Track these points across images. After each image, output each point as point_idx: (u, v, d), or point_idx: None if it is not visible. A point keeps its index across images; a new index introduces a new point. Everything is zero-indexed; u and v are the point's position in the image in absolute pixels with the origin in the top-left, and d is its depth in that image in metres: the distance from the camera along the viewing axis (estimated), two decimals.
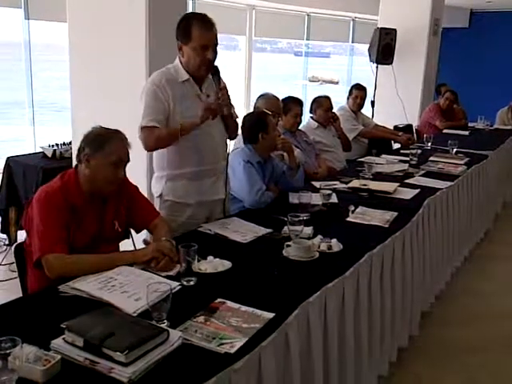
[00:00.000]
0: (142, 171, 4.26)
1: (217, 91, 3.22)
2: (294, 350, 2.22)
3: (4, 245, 5.46)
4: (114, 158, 2.70)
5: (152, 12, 4.19)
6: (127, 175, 2.94)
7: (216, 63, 3.28)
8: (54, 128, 12.79)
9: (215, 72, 3.29)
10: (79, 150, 2.74)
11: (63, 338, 1.87)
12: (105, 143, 2.69)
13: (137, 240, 3.12)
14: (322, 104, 5.61)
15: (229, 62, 3.61)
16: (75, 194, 2.69)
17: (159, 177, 3.44)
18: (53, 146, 5.54)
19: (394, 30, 8.53)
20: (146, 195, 3.83)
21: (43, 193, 2.66)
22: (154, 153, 3.44)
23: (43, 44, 14.71)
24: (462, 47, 13.53)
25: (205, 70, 3.28)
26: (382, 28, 8.51)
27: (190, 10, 9.49)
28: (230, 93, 3.29)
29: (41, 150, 5.62)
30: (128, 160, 2.79)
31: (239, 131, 3.87)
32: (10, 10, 8.35)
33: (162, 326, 2.00)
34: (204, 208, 3.46)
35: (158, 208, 3.41)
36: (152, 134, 3.18)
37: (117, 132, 2.78)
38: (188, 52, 3.22)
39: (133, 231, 3.11)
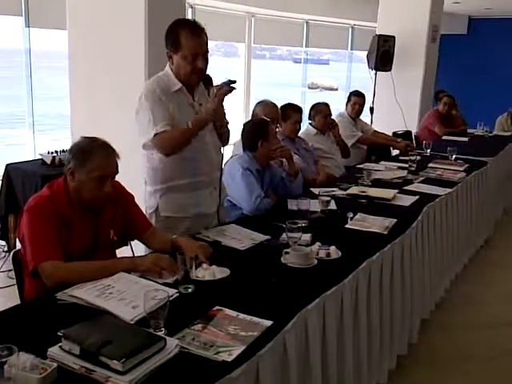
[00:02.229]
0: (140, 179, 4.25)
1: (212, 100, 3.18)
2: (292, 357, 2.20)
3: (3, 251, 5.46)
4: (97, 174, 2.63)
5: (151, 20, 4.20)
6: (124, 183, 2.93)
7: (209, 72, 3.25)
8: (54, 135, 12.81)
9: (208, 81, 3.27)
10: (66, 161, 2.69)
11: (60, 346, 1.86)
12: (87, 158, 2.62)
13: (135, 247, 3.11)
14: (321, 111, 5.61)
15: (228, 68, 3.62)
16: (65, 205, 2.65)
17: (152, 191, 3.35)
18: (52, 152, 5.53)
19: (393, 37, 8.54)
20: (142, 203, 3.85)
21: (32, 202, 2.63)
22: (146, 166, 3.35)
23: (43, 51, 14.72)
24: (460, 54, 13.55)
25: (195, 79, 3.23)
26: (380, 35, 8.52)
27: (189, 17, 9.53)
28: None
29: (40, 157, 5.62)
30: (116, 172, 2.73)
31: (239, 137, 3.87)
32: (11, 18, 8.36)
33: (160, 333, 1.99)
34: (201, 220, 3.42)
35: (153, 222, 3.31)
36: (164, 137, 3.11)
37: (103, 145, 2.70)
38: (178, 61, 3.16)
39: None
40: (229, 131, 3.51)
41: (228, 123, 3.43)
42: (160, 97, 3.15)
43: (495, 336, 4.32)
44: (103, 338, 1.84)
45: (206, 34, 3.17)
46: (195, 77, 3.20)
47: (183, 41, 3.10)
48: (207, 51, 3.19)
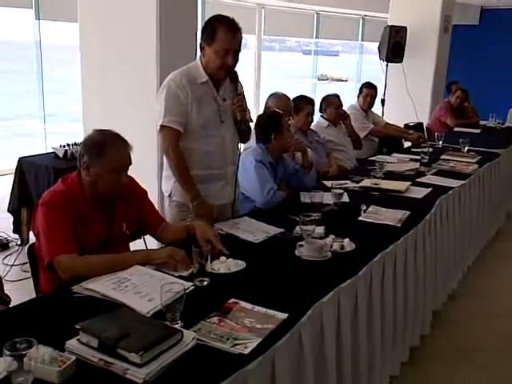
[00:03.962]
0: (153, 171, 4.28)
1: (233, 97, 3.32)
2: (308, 350, 2.21)
3: (16, 245, 5.48)
4: (113, 166, 2.64)
5: (163, 12, 4.20)
6: (137, 175, 2.94)
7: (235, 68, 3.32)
8: (65, 126, 12.87)
9: (234, 77, 3.34)
10: (79, 156, 2.70)
11: (78, 339, 1.87)
12: (103, 151, 2.63)
13: (148, 239, 3.11)
14: (332, 102, 5.60)
15: (239, 60, 3.64)
16: (79, 199, 2.66)
17: (168, 176, 3.44)
18: (64, 146, 5.55)
19: (405, 28, 8.50)
20: (156, 195, 3.87)
21: (47, 196, 2.64)
22: (162, 151, 3.47)
23: (54, 44, 14.78)
24: (472, 44, 13.46)
25: (223, 74, 3.30)
26: (392, 26, 8.47)
27: (199, 9, 9.50)
28: (245, 98, 3.39)
29: (52, 151, 5.64)
30: (130, 163, 2.74)
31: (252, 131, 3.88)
32: (21, 11, 8.39)
33: (176, 326, 1.99)
34: (215, 210, 3.44)
35: (166, 206, 3.48)
36: (170, 150, 3.25)
37: (116, 137, 2.71)
38: (209, 53, 3.22)
39: None
40: (250, 129, 3.56)
41: (250, 121, 3.51)
42: (185, 88, 3.22)
43: (507, 327, 4.31)
44: (121, 331, 1.85)
45: (241, 33, 3.25)
46: (223, 72, 3.27)
47: (219, 35, 3.16)
48: (239, 50, 3.27)
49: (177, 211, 3.42)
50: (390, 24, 8.63)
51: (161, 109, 3.23)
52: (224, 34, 3.16)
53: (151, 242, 3.12)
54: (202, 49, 3.28)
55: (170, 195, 3.45)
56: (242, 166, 3.65)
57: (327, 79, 27.43)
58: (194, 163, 3.33)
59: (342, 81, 27.66)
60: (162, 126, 3.23)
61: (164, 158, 3.44)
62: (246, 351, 1.91)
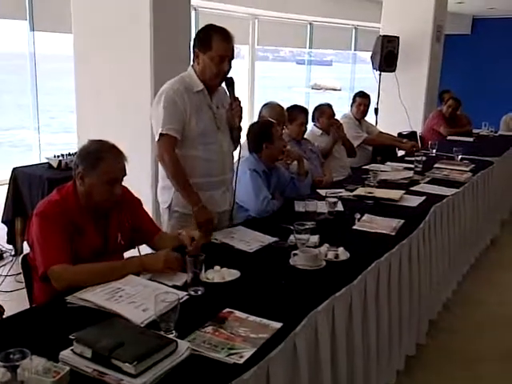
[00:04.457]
0: (147, 181, 4.28)
1: (231, 101, 3.36)
2: (303, 359, 2.21)
3: (10, 255, 5.46)
4: (107, 177, 2.64)
5: (156, 23, 4.22)
6: (131, 186, 2.94)
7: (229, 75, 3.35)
8: (58, 136, 12.86)
9: (230, 83, 3.37)
10: (74, 165, 2.70)
11: (72, 350, 1.87)
12: (98, 162, 2.63)
13: (143, 250, 3.10)
14: (325, 112, 5.61)
15: (232, 70, 3.65)
16: (74, 209, 2.66)
17: (167, 187, 3.41)
18: (58, 156, 5.55)
19: (397, 38, 8.54)
20: (150, 206, 3.86)
21: (42, 206, 2.64)
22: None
23: (48, 54, 14.82)
24: (464, 54, 13.54)
25: (219, 81, 3.34)
26: (384, 36, 8.51)
27: (193, 19, 9.54)
28: (242, 105, 3.42)
29: (46, 161, 5.63)
30: (125, 174, 2.74)
31: (245, 139, 3.90)
32: (16, 22, 8.42)
33: (170, 336, 1.99)
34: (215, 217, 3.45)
35: (166, 219, 3.44)
36: (169, 158, 3.24)
37: (111, 148, 2.71)
38: (205, 61, 3.26)
39: None
40: (240, 133, 3.58)
41: (241, 129, 3.54)
42: (183, 96, 3.24)
43: (502, 337, 4.29)
44: (115, 341, 1.84)
45: (234, 41, 3.30)
46: (218, 79, 3.32)
47: (214, 42, 3.21)
48: (233, 57, 3.31)
49: (178, 222, 3.40)
50: (382, 34, 8.67)
51: (159, 117, 3.23)
52: (219, 41, 3.22)
53: (146, 251, 3.11)
54: (196, 57, 3.30)
55: (169, 206, 3.42)
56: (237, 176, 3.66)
57: (321, 89, 27.50)
58: (195, 171, 3.33)
59: (335, 90, 27.73)
60: (161, 133, 3.22)
61: (160, 168, 3.44)
62: (241, 361, 1.90)
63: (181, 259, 2.59)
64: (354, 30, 13.88)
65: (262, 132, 4.00)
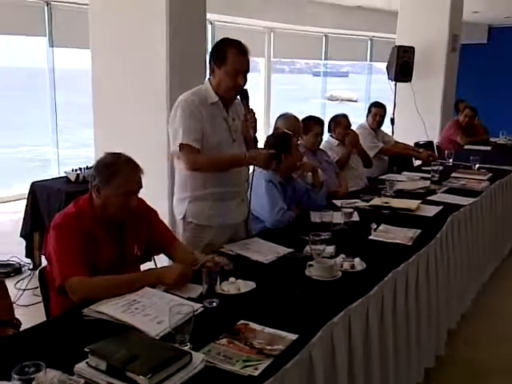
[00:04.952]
0: (164, 193, 4.29)
1: (245, 113, 3.35)
2: (319, 371, 2.19)
3: (29, 269, 5.49)
4: (123, 190, 2.67)
5: (172, 39, 4.25)
6: (148, 198, 2.95)
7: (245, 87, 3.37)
8: (78, 151, 12.97)
9: (245, 95, 3.37)
10: (91, 178, 2.73)
11: (86, 362, 1.87)
12: (114, 175, 2.66)
13: (159, 262, 3.11)
14: (341, 122, 5.61)
15: (249, 83, 3.67)
16: (90, 220, 2.68)
17: (181, 198, 3.43)
18: (76, 170, 5.58)
19: (412, 48, 8.52)
20: (167, 217, 3.87)
21: (58, 219, 2.66)
22: (177, 174, 3.46)
23: (67, 70, 15.00)
24: (480, 63, 13.49)
25: (234, 94, 3.35)
26: (399, 46, 8.50)
27: (209, 33, 9.63)
28: (256, 116, 3.42)
29: (64, 175, 5.67)
30: (140, 187, 2.76)
31: None
32: (35, 39, 8.53)
33: (185, 348, 1.99)
34: (227, 230, 3.47)
35: (181, 230, 3.44)
36: (197, 158, 3.25)
37: (128, 161, 2.74)
38: (220, 75, 3.28)
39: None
40: (256, 144, 3.57)
41: (257, 140, 3.52)
42: (198, 107, 3.26)
43: None
44: (129, 354, 1.84)
45: (249, 55, 3.32)
46: (233, 92, 3.33)
47: (229, 56, 3.23)
48: (248, 71, 3.32)
49: (192, 233, 3.41)
50: (397, 44, 8.66)
51: (178, 129, 3.24)
52: (235, 55, 3.23)
53: (162, 263, 3.11)
54: (212, 71, 3.33)
55: (183, 217, 3.43)
56: (253, 187, 3.66)
57: (337, 100, 27.53)
58: (210, 181, 3.35)
59: (352, 101, 27.74)
60: (181, 144, 3.22)
61: (176, 180, 3.46)
62: (256, 373, 1.89)
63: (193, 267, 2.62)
64: (369, 41, 13.89)
65: (280, 143, 4.00)
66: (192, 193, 3.38)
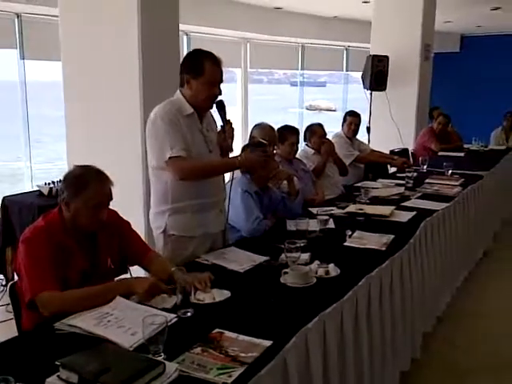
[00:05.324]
0: (139, 204, 4.28)
1: (223, 124, 3.40)
2: (293, 377, 2.18)
3: (1, 285, 5.42)
4: (92, 202, 2.64)
5: (145, 49, 4.24)
6: (122, 209, 2.94)
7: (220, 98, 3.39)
8: (51, 165, 12.86)
9: (221, 106, 3.41)
10: (60, 191, 2.71)
11: (58, 376, 1.85)
12: (83, 187, 2.64)
13: (136, 274, 3.09)
14: (316, 132, 5.64)
15: (226, 94, 3.69)
16: (60, 234, 2.65)
17: (160, 212, 3.39)
18: (49, 183, 5.53)
19: (386, 57, 8.59)
20: (142, 228, 3.86)
21: (27, 233, 2.63)
22: (154, 187, 3.41)
23: (38, 82, 14.92)
24: (454, 71, 13.65)
25: (210, 104, 3.37)
26: (374, 55, 8.57)
27: (184, 44, 9.64)
28: (234, 127, 3.46)
29: (37, 189, 5.62)
30: (110, 199, 2.74)
31: None
32: (6, 51, 8.44)
33: (159, 359, 1.97)
34: (207, 240, 3.47)
35: (161, 244, 3.40)
36: (184, 164, 3.23)
37: (96, 173, 2.72)
38: (197, 86, 3.28)
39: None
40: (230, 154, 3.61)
41: (232, 150, 3.56)
42: (177, 116, 3.25)
43: (498, 348, 4.29)
44: (101, 366, 1.83)
45: (222, 65, 3.35)
46: (210, 102, 3.35)
47: (207, 68, 3.25)
48: (222, 81, 3.36)
49: (174, 245, 3.37)
50: (372, 53, 8.73)
51: (163, 141, 3.20)
52: (211, 66, 3.26)
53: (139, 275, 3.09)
54: (187, 82, 3.31)
55: (164, 231, 3.39)
56: (229, 197, 3.66)
57: (315, 109, 27.65)
58: (191, 193, 3.34)
59: (330, 110, 27.86)
60: (171, 157, 3.19)
61: (153, 193, 3.43)
62: (230, 380, 1.89)
63: (167, 290, 2.58)
64: (345, 51, 13.97)
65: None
66: (173, 205, 3.34)
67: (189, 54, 3.40)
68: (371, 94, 8.86)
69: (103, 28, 4.46)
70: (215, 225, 3.50)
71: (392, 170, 6.93)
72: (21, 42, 7.94)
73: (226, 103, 3.44)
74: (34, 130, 9.81)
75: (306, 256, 3.11)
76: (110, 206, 2.80)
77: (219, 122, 3.49)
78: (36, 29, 8.08)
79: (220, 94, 3.35)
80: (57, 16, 4.88)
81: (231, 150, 3.55)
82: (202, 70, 3.25)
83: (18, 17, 7.91)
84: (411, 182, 5.35)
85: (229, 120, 3.45)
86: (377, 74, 8.52)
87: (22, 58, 8.09)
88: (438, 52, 10.12)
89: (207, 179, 3.37)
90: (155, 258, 3.00)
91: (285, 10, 11.07)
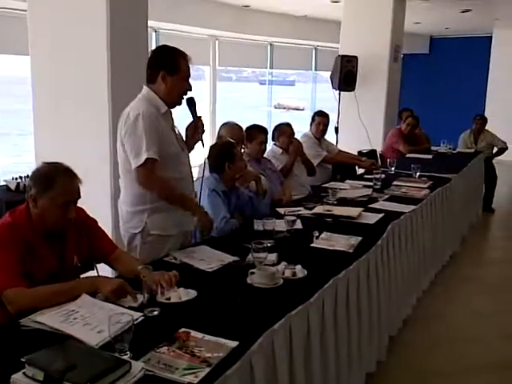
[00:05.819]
0: (106, 202, 4.25)
1: (194, 120, 3.48)
2: (260, 378, 2.19)
3: None
4: (60, 200, 2.62)
5: (113, 44, 4.21)
6: (89, 206, 2.92)
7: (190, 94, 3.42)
8: (21, 160, 12.68)
9: (192, 103, 3.44)
10: (27, 188, 2.68)
11: (23, 372, 1.84)
12: (51, 185, 2.62)
13: (102, 271, 3.08)
14: (285, 131, 5.64)
15: (194, 91, 3.68)
16: (27, 231, 2.63)
17: (138, 211, 3.35)
18: (16, 178, 5.47)
19: (355, 58, 8.65)
20: (110, 226, 3.84)
21: None
22: (130, 186, 3.35)
23: (6, 76, 14.72)
24: (423, 72, 13.81)
25: (181, 101, 3.40)
26: (343, 55, 8.63)
27: (153, 41, 9.60)
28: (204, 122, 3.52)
29: (4, 183, 5.55)
30: (78, 197, 2.72)
31: (203, 160, 3.93)
32: None
33: (125, 357, 1.97)
34: (180, 238, 3.48)
35: (138, 243, 3.38)
36: (154, 179, 3.24)
37: (64, 170, 2.69)
38: (173, 82, 3.30)
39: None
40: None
41: (203, 145, 3.62)
42: (157, 116, 3.26)
43: (461, 352, 4.33)
44: (67, 363, 1.82)
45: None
46: (181, 98, 3.40)
47: (182, 65, 3.31)
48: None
49: (153, 244, 3.35)
50: (341, 53, 8.78)
51: (141, 141, 3.16)
52: (185, 63, 3.32)
53: (106, 273, 3.08)
54: (162, 79, 3.29)
55: (142, 230, 3.36)
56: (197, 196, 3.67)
57: (284, 108, 27.67)
58: None
59: (299, 110, 27.90)
60: (147, 159, 3.15)
61: (130, 193, 3.37)
62: (196, 381, 1.89)
63: (132, 294, 2.55)
64: (314, 50, 14.04)
65: (224, 152, 4.02)
66: (152, 204, 3.32)
67: (161, 50, 3.42)
68: (340, 93, 8.92)
69: (72, 23, 4.41)
70: (189, 223, 3.52)
71: (360, 171, 6.97)
72: None
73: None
74: (1, 125, 9.69)
75: (273, 257, 3.12)
76: (78, 204, 2.78)
77: (189, 119, 3.51)
78: (3, 22, 7.97)
79: (191, 89, 3.38)
80: (25, 10, 4.82)
81: (203, 145, 3.60)
82: (178, 67, 3.28)
83: None
84: (379, 183, 5.38)
85: (200, 116, 3.49)
86: (346, 74, 8.59)
87: None
88: (408, 53, 10.22)
89: (185, 179, 3.42)
90: (122, 256, 2.99)
91: (254, 8, 11.09)
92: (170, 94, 3.32)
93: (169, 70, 3.28)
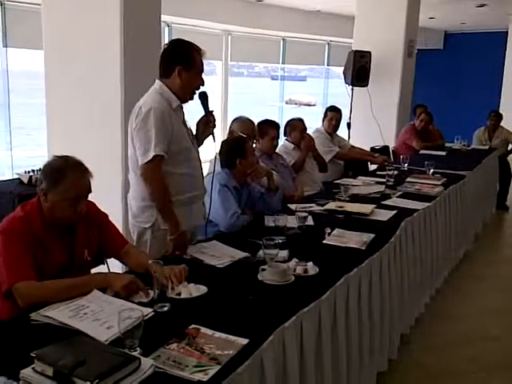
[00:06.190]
0: (117, 196, 4.24)
1: (206, 114, 3.46)
2: (270, 376, 2.18)
3: None
4: (70, 194, 2.61)
5: (126, 40, 4.19)
6: (99, 200, 2.91)
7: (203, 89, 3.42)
8: (34, 154, 12.72)
9: (205, 97, 3.43)
10: (38, 182, 2.67)
11: (33, 368, 1.83)
12: (61, 179, 2.60)
13: (112, 266, 3.07)
14: (297, 126, 5.60)
15: (205, 86, 3.68)
16: (38, 225, 2.63)
17: (149, 206, 3.33)
18: (29, 172, 5.47)
19: (369, 53, 8.59)
20: (120, 223, 3.83)
21: (5, 224, 2.60)
22: (140, 181, 3.32)
23: (21, 71, 14.74)
24: (437, 68, 13.71)
25: (193, 96, 3.40)
26: (356, 51, 8.57)
27: (166, 35, 9.59)
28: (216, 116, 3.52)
29: (17, 177, 5.56)
30: (89, 191, 2.71)
31: (214, 155, 3.91)
32: None
33: (135, 353, 1.96)
34: (188, 233, 3.45)
35: (149, 237, 3.37)
36: (157, 182, 3.22)
37: (75, 164, 2.68)
38: (188, 78, 3.30)
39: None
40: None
41: (215, 140, 3.61)
42: (169, 112, 3.25)
43: (476, 351, 4.29)
44: (76, 359, 1.81)
45: None
46: (194, 93, 3.39)
47: (197, 59, 3.31)
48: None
49: (163, 239, 3.32)
50: (354, 49, 8.72)
51: (150, 137, 3.15)
52: (199, 57, 3.32)
53: (115, 269, 3.07)
54: (178, 73, 3.27)
55: (152, 226, 3.35)
56: (207, 191, 3.65)
57: (296, 104, 27.64)
58: (182, 187, 3.34)
59: (310, 105, 27.86)
60: (155, 155, 3.15)
61: (141, 189, 3.34)
62: (205, 378, 1.87)
63: (144, 290, 2.54)
64: (327, 46, 13.98)
65: (236, 147, 4.00)
66: None
67: (176, 44, 3.39)
68: (352, 89, 8.86)
69: (85, 17, 4.40)
70: (199, 218, 3.53)
71: (372, 167, 6.93)
72: (4, 29, 7.85)
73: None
74: (16, 119, 9.70)
75: (284, 253, 3.09)
76: (89, 198, 2.77)
77: (200, 114, 3.50)
78: (19, 17, 7.99)
79: (203, 84, 3.37)
80: (39, 4, 4.81)
81: (214, 140, 3.59)
82: (194, 61, 3.28)
83: (0, 4, 7.82)
84: (392, 180, 5.34)
85: (212, 111, 3.47)
86: (359, 70, 8.52)
87: (5, 45, 8.00)
88: (422, 49, 10.15)
89: (196, 174, 3.42)
90: (132, 251, 2.99)
91: (267, 3, 11.06)
92: (184, 88, 3.32)
93: (185, 65, 3.27)
